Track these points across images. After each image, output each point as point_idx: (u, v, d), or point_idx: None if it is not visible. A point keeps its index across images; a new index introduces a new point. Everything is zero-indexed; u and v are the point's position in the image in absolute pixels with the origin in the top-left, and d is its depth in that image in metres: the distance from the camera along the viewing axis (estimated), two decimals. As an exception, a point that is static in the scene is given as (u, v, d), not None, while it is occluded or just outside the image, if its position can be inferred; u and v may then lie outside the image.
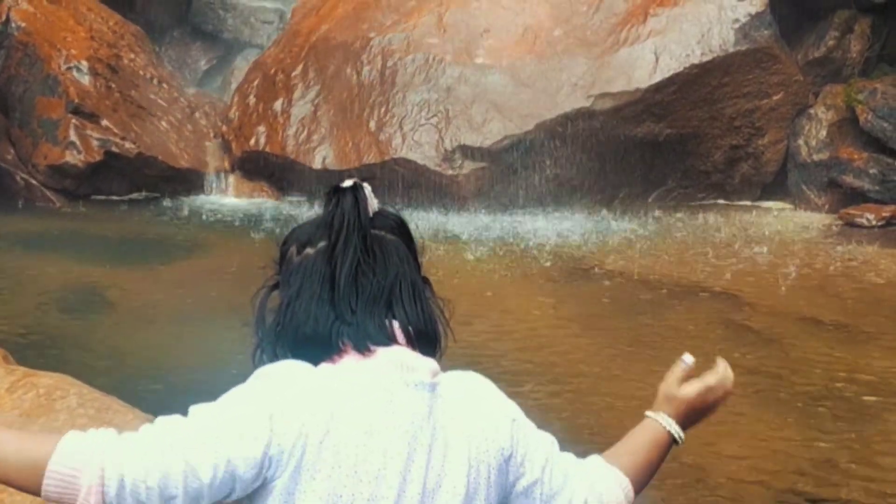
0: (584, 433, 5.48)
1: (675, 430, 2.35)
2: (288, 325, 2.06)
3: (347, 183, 2.11)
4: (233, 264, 8.71)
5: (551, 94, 10.65)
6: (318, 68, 11.63)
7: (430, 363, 2.03)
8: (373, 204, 2.10)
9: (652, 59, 10.62)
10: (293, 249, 2.13)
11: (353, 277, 2.04)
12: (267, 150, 11.45)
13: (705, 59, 10.61)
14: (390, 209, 2.18)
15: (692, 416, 2.39)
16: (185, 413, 1.93)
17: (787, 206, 11.16)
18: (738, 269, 8.88)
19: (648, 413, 2.39)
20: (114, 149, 11.02)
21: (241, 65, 13.97)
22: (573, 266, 8.93)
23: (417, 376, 1.99)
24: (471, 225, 10.21)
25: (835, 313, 7.72)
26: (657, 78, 10.57)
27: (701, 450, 5.29)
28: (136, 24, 13.09)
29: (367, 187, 2.11)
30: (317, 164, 11.03)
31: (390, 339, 2.03)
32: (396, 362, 1.99)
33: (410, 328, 2.06)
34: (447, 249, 9.47)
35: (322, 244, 2.08)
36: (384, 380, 1.97)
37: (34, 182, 10.99)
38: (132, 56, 12.31)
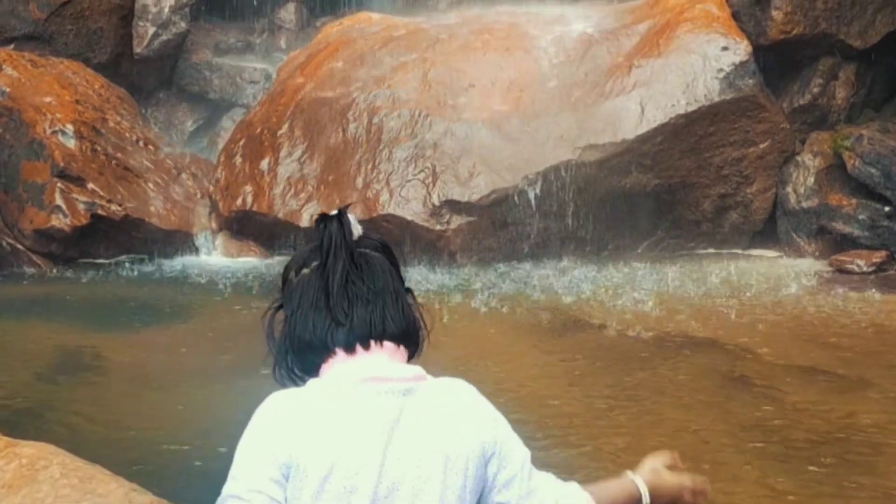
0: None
1: (646, 499, 2.62)
2: (291, 334, 2.37)
3: (333, 211, 2.42)
4: (221, 326, 8.63)
5: (538, 146, 10.64)
6: (304, 126, 11.62)
7: (406, 370, 2.33)
8: (357, 229, 2.42)
9: (637, 110, 10.63)
10: (292, 273, 2.46)
11: (343, 285, 2.33)
12: (254, 209, 11.41)
13: (691, 108, 10.61)
14: (373, 234, 2.50)
15: (658, 499, 2.66)
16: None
17: (778, 253, 11.12)
18: (730, 318, 8.83)
19: (629, 473, 2.68)
20: (100, 212, 10.97)
21: (228, 125, 13.98)
22: (562, 319, 8.86)
23: (388, 385, 2.28)
24: (458, 279, 10.16)
25: (829, 361, 7.66)
26: (643, 129, 10.57)
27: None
28: (121, 86, 13.09)
29: (351, 215, 2.42)
30: (304, 223, 10.99)
31: (377, 342, 2.33)
32: (370, 372, 2.29)
33: (395, 331, 2.35)
34: (436, 304, 9.41)
35: (315, 263, 2.39)
36: (356, 392, 2.27)
37: (20, 247, 10.93)
38: (118, 118, 12.30)
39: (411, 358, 2.41)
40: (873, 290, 9.61)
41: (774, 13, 10.95)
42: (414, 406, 2.27)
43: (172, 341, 8.46)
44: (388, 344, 2.33)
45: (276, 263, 11.29)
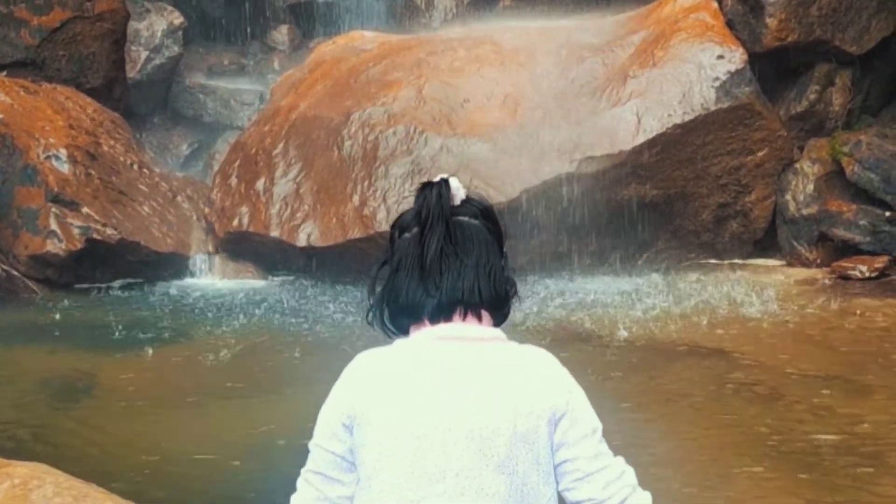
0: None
1: None
2: (389, 294, 2.51)
3: (436, 178, 2.53)
4: (218, 349, 8.54)
5: (535, 160, 10.58)
6: (299, 146, 11.56)
7: (484, 331, 2.46)
8: (460, 194, 2.51)
9: (634, 121, 10.57)
10: (396, 233, 2.56)
11: (438, 258, 2.45)
12: (251, 230, 11.35)
13: (687, 118, 10.55)
14: (478, 198, 2.58)
15: None
16: None
17: (779, 262, 11.05)
18: (733, 326, 8.76)
19: None
20: (95, 236, 10.90)
21: (223, 147, 13.96)
22: (564, 330, 8.79)
23: (462, 343, 2.41)
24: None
25: (833, 367, 7.60)
26: (640, 139, 10.50)
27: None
28: (115, 111, 13.05)
29: (453, 181, 2.51)
30: (301, 242, 10.93)
31: (461, 312, 2.44)
32: (447, 333, 2.42)
33: (482, 301, 2.46)
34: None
35: (415, 230, 2.49)
36: (430, 348, 2.42)
37: (15, 273, 10.85)
38: (112, 142, 12.25)
39: (498, 325, 2.52)
40: (876, 296, 9.54)
41: (769, 20, 10.91)
42: (487, 362, 2.39)
43: (168, 364, 8.38)
44: (472, 313, 2.45)
45: (273, 285, 11.23)
